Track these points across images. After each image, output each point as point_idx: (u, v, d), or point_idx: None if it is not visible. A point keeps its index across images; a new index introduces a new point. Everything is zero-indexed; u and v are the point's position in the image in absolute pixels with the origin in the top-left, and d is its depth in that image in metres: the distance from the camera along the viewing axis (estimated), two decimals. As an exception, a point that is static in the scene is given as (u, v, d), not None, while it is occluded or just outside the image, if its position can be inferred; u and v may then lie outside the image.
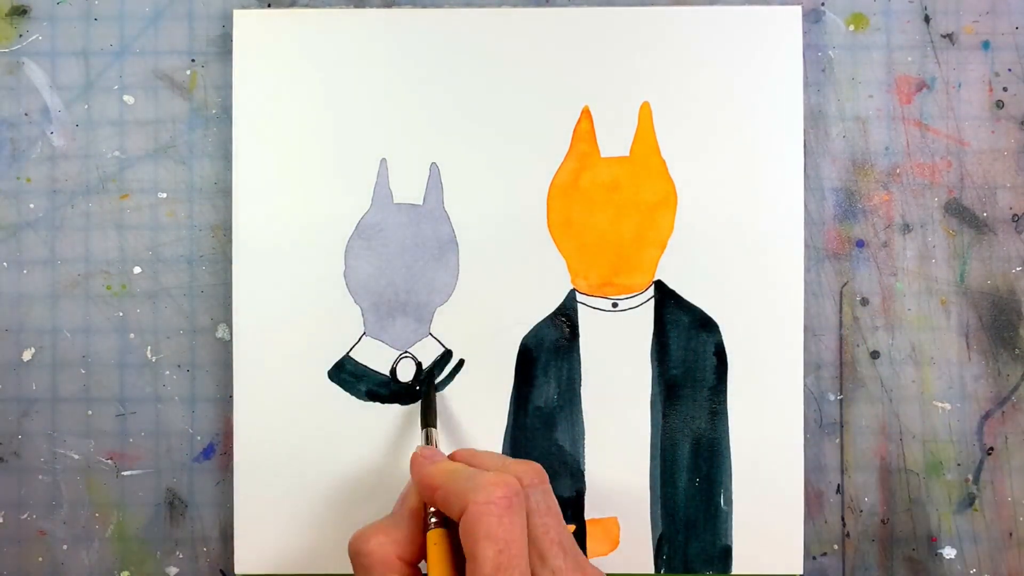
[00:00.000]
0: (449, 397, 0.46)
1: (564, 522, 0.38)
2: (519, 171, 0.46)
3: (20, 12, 0.47)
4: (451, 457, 0.40)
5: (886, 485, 0.46)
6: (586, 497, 0.46)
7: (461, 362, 0.46)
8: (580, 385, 0.46)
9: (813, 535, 0.46)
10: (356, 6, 0.46)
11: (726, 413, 0.46)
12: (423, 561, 0.38)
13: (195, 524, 0.47)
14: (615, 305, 0.46)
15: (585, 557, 0.39)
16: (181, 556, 0.47)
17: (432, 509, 0.38)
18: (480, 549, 0.35)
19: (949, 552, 0.46)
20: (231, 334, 0.46)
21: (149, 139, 0.47)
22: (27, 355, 0.46)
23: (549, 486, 0.38)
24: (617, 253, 0.46)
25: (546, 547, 0.37)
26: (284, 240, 0.45)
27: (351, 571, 0.45)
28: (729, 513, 0.45)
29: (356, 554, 0.38)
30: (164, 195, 0.47)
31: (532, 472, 0.38)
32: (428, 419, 0.44)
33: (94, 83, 0.47)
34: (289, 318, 0.45)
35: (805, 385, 0.46)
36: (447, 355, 0.46)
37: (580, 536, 0.46)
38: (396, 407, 0.46)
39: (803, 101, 0.46)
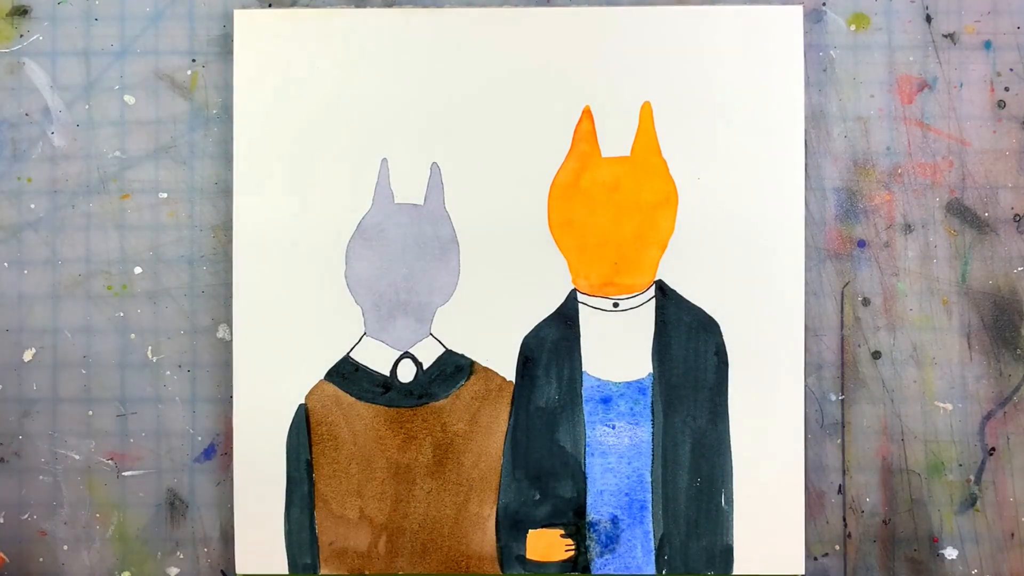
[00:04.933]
0: (449, 398, 0.46)
1: None
2: (520, 171, 0.46)
3: (21, 12, 0.47)
4: None
5: (888, 485, 0.46)
6: (587, 498, 0.46)
7: (471, 367, 0.46)
8: (581, 385, 0.46)
9: (814, 535, 0.46)
10: (356, 6, 0.46)
11: (727, 413, 0.45)
12: None
13: (196, 524, 0.46)
14: (616, 305, 0.46)
15: None
16: (182, 556, 0.47)
17: None
18: None
19: (951, 552, 0.46)
20: (232, 334, 0.46)
21: (150, 139, 0.47)
22: (28, 355, 0.46)
23: None
24: (618, 253, 0.46)
25: None
26: (284, 240, 0.45)
27: (350, 571, 0.45)
28: (730, 513, 0.45)
29: None
30: (165, 195, 0.47)
31: None
32: None
33: (95, 83, 0.47)
34: (289, 318, 0.45)
35: (806, 385, 0.46)
36: (453, 357, 0.46)
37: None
38: (396, 408, 0.46)
39: (804, 101, 0.46)
